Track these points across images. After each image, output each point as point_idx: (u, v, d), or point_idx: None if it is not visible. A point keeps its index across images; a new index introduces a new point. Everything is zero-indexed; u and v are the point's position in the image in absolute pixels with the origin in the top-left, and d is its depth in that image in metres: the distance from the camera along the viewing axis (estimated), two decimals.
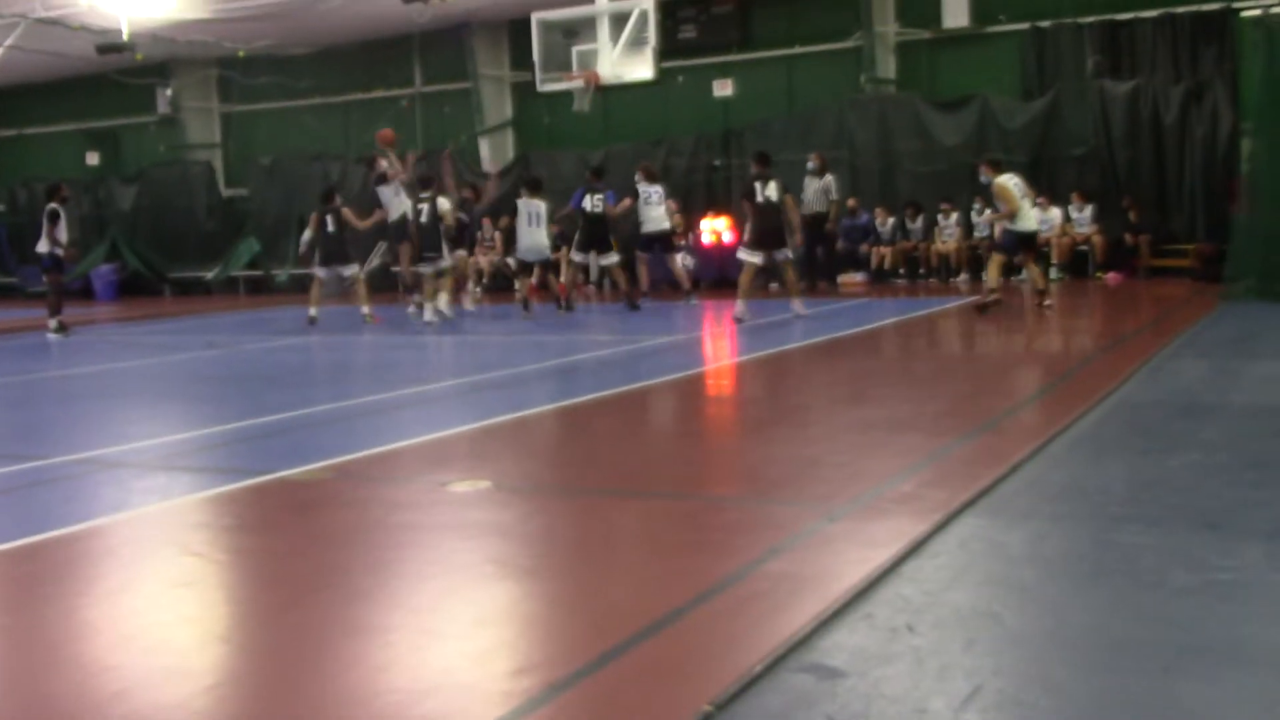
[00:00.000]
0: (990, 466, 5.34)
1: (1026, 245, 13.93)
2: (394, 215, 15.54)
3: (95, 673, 3.40)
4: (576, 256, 16.55)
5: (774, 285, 19.27)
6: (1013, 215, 13.27)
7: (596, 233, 16.28)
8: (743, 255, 14.04)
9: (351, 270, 15.93)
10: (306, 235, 16.72)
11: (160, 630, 3.74)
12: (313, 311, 15.56)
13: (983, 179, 14.15)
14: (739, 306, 13.26)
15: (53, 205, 15.85)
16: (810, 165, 18.26)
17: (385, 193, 15.56)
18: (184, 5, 20.13)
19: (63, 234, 15.77)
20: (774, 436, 6.73)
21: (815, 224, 18.25)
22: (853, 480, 5.31)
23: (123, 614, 3.94)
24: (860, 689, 2.96)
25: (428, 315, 14.87)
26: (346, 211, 15.79)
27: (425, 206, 15.21)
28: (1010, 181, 13.40)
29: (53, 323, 15.62)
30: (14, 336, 16.44)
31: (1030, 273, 13.92)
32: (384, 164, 15.57)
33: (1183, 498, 4.76)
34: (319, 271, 16.10)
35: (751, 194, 13.55)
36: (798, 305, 13.58)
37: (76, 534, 4.99)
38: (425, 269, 15.37)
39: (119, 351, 13.79)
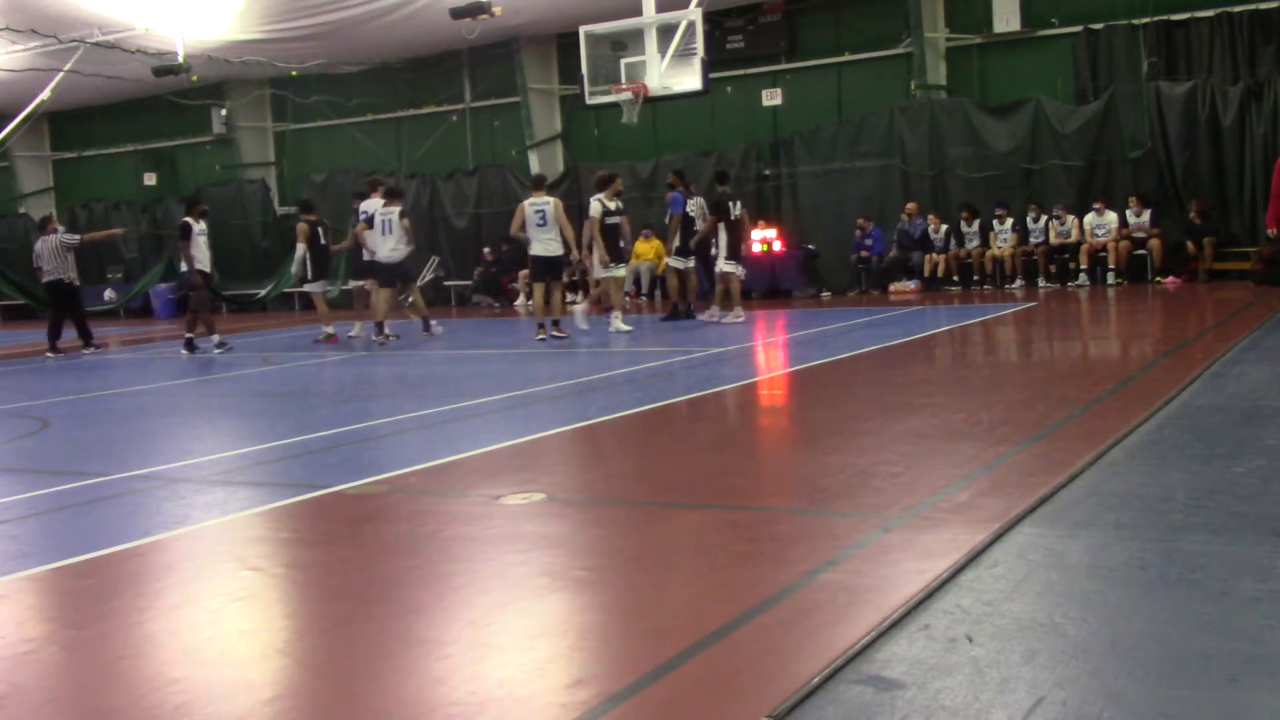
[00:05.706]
0: (1048, 475, 5.27)
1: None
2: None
3: (158, 686, 3.44)
4: (678, 263, 16.16)
5: (825, 294, 19.20)
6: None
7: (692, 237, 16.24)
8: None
9: (328, 285, 16.06)
10: (300, 251, 16.27)
11: (221, 644, 3.78)
12: (328, 329, 15.82)
13: None
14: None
15: (185, 220, 15.81)
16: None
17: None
18: (238, 26, 20.49)
19: (197, 251, 15.50)
20: (827, 447, 6.69)
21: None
22: (908, 490, 5.26)
23: (184, 628, 3.99)
24: (919, 701, 2.93)
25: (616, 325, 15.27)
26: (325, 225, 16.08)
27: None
28: None
29: (215, 338, 15.50)
30: (73, 356, 16.73)
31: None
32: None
33: (1248, 505, 4.66)
34: (315, 286, 16.29)
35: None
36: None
37: (138, 549, 5.07)
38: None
39: (177, 368, 13.99)
